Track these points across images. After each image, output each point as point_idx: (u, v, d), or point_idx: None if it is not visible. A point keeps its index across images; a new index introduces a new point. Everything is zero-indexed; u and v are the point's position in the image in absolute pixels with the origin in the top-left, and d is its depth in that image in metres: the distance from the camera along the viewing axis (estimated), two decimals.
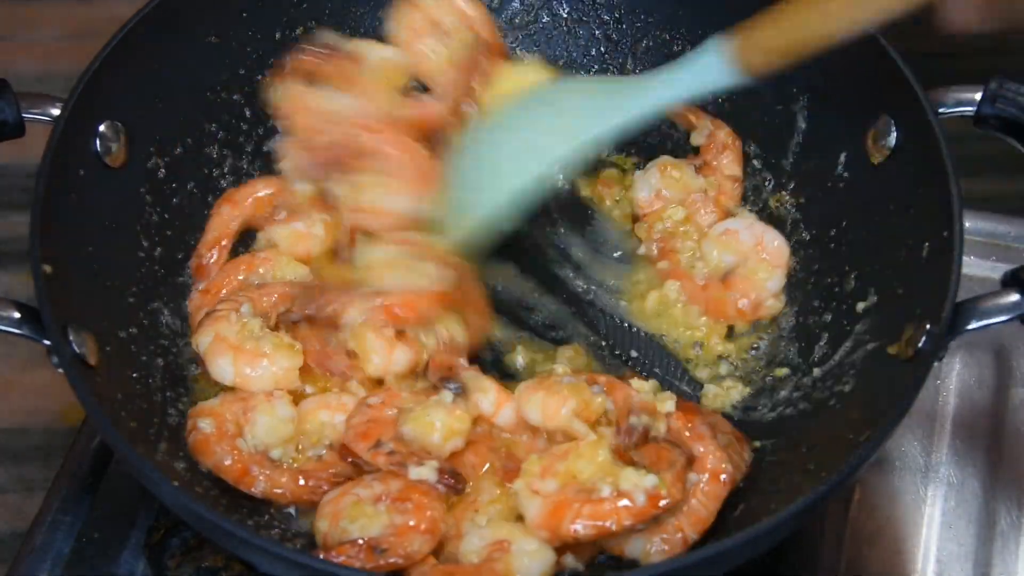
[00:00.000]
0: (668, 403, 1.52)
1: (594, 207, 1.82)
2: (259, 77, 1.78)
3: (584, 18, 1.89)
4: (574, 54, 1.90)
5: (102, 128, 1.58)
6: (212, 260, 1.70)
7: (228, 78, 1.76)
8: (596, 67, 1.89)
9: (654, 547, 1.43)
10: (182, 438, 1.51)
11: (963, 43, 2.21)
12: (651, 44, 1.86)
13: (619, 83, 1.74)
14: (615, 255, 1.77)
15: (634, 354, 1.68)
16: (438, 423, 1.50)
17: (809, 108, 1.71)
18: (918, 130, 1.51)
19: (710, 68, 1.47)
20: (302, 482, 1.49)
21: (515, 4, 1.89)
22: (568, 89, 1.68)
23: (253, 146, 1.80)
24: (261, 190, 1.75)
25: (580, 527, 1.40)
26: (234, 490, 1.49)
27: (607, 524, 1.39)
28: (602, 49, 1.89)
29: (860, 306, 1.58)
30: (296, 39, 1.80)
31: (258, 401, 1.54)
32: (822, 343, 1.61)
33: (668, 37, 1.84)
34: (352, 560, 1.39)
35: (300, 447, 1.54)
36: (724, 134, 1.79)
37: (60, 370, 1.39)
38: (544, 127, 1.58)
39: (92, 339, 1.45)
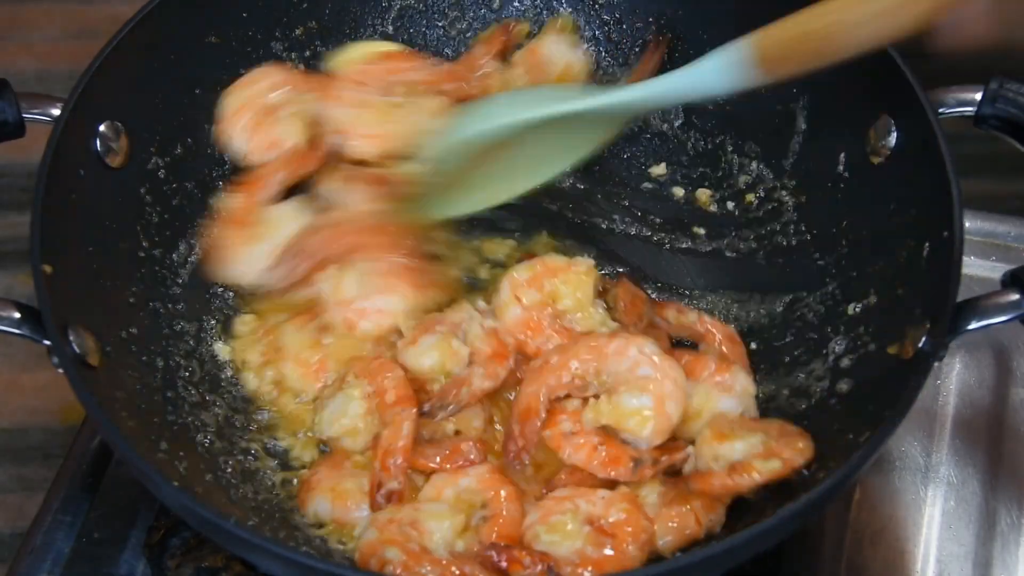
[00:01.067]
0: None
1: None
2: None
3: (584, 18, 1.89)
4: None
5: (102, 128, 1.58)
6: None
7: (228, 78, 1.76)
8: (596, 67, 1.89)
9: None
10: (182, 439, 1.52)
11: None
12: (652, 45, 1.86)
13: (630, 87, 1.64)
14: None
15: None
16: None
17: (809, 108, 1.71)
18: (918, 130, 1.51)
19: (724, 68, 1.48)
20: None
21: (515, 4, 1.89)
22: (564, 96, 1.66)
23: None
24: None
25: None
26: (234, 490, 1.49)
27: None
28: (602, 49, 1.89)
29: (860, 306, 1.58)
30: (296, 39, 1.81)
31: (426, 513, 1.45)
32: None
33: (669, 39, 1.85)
34: (520, 569, 1.35)
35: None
36: None
37: (60, 370, 1.39)
38: (550, 138, 1.61)
39: (92, 339, 1.45)
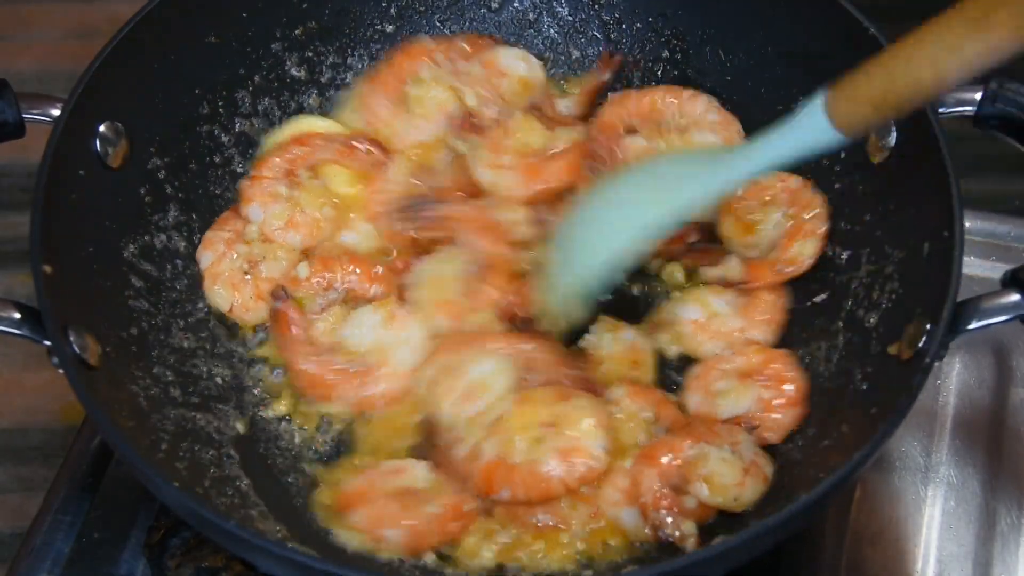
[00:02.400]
0: None
1: None
2: (257, 77, 1.79)
3: (584, 18, 1.89)
4: (575, 54, 1.90)
5: (102, 128, 1.58)
6: None
7: (228, 78, 1.76)
8: (596, 67, 1.89)
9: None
10: (183, 439, 1.52)
11: None
12: (651, 46, 1.86)
13: (719, 152, 1.65)
14: None
15: None
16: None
17: None
18: (918, 129, 1.51)
19: (811, 129, 1.39)
20: None
21: (516, 4, 1.89)
22: (669, 161, 1.65)
23: (254, 146, 1.80)
24: None
25: None
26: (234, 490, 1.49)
27: None
28: (602, 49, 1.89)
29: (860, 306, 1.58)
30: (296, 39, 1.81)
31: None
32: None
33: (667, 38, 1.84)
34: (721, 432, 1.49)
35: None
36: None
37: (60, 370, 1.39)
38: (644, 198, 1.55)
39: (92, 339, 1.45)
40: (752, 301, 1.65)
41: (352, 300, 1.66)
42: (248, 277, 1.67)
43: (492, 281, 1.61)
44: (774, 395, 1.54)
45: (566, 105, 1.84)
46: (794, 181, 1.69)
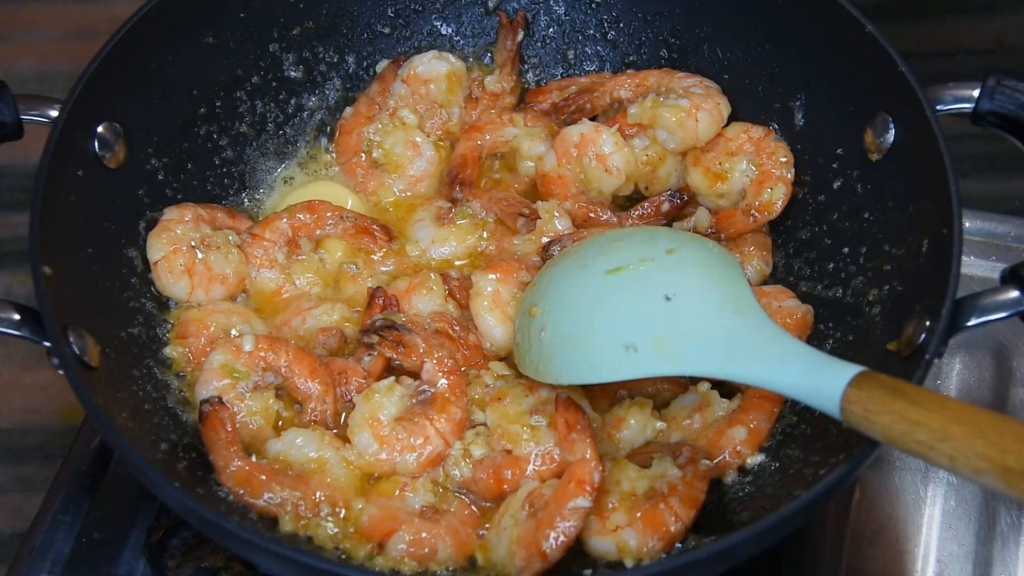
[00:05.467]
0: None
1: None
2: (255, 78, 1.79)
3: (582, 18, 1.89)
4: (570, 55, 1.90)
5: (100, 129, 1.59)
6: None
7: (227, 78, 1.76)
8: (595, 67, 1.89)
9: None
10: (183, 438, 1.52)
11: (962, 42, 2.22)
12: (648, 44, 1.86)
13: (742, 324, 1.43)
14: None
15: None
16: None
17: (807, 105, 1.71)
18: (916, 127, 1.51)
19: (822, 391, 1.31)
20: None
21: (514, 4, 1.89)
22: (698, 287, 1.47)
23: (253, 147, 1.81)
24: None
25: None
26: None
27: None
28: (599, 48, 1.89)
29: (859, 303, 1.58)
30: (294, 39, 1.81)
31: None
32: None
33: (664, 37, 1.85)
34: None
35: None
36: None
37: (60, 371, 1.39)
38: (654, 321, 1.44)
39: (92, 340, 1.45)
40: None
41: (285, 390, 1.58)
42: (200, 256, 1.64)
43: (435, 417, 1.54)
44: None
45: (495, 80, 1.86)
46: (756, 131, 1.73)
